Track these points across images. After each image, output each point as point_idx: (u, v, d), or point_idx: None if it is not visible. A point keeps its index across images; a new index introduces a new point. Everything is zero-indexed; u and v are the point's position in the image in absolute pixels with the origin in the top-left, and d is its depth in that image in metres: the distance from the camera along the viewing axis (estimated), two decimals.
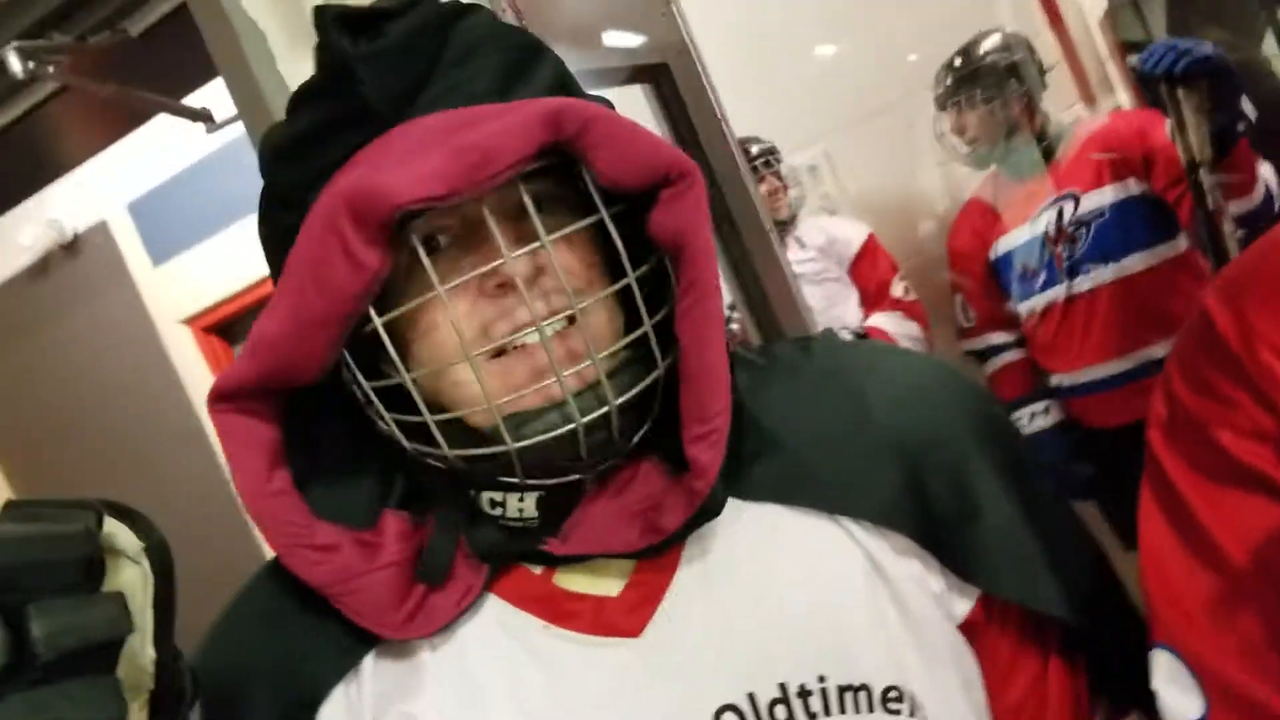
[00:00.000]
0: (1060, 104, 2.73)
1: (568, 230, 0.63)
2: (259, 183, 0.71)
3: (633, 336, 0.66)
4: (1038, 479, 0.75)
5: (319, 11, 0.64)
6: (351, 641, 0.68)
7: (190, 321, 4.24)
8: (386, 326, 0.63)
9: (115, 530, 0.49)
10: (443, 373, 0.66)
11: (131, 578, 0.50)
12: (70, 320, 4.39)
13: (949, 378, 0.77)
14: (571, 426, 0.63)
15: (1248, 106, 1.96)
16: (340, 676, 0.68)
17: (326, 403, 0.71)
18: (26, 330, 4.48)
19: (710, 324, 0.64)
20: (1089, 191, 2.43)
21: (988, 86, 2.50)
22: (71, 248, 4.28)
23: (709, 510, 0.65)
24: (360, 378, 0.67)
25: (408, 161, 0.60)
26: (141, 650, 0.50)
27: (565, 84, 0.70)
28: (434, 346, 0.66)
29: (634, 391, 0.65)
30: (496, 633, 0.68)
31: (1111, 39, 3.02)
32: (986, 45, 2.54)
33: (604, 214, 0.64)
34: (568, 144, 0.61)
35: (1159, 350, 2.38)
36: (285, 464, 0.69)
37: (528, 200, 0.61)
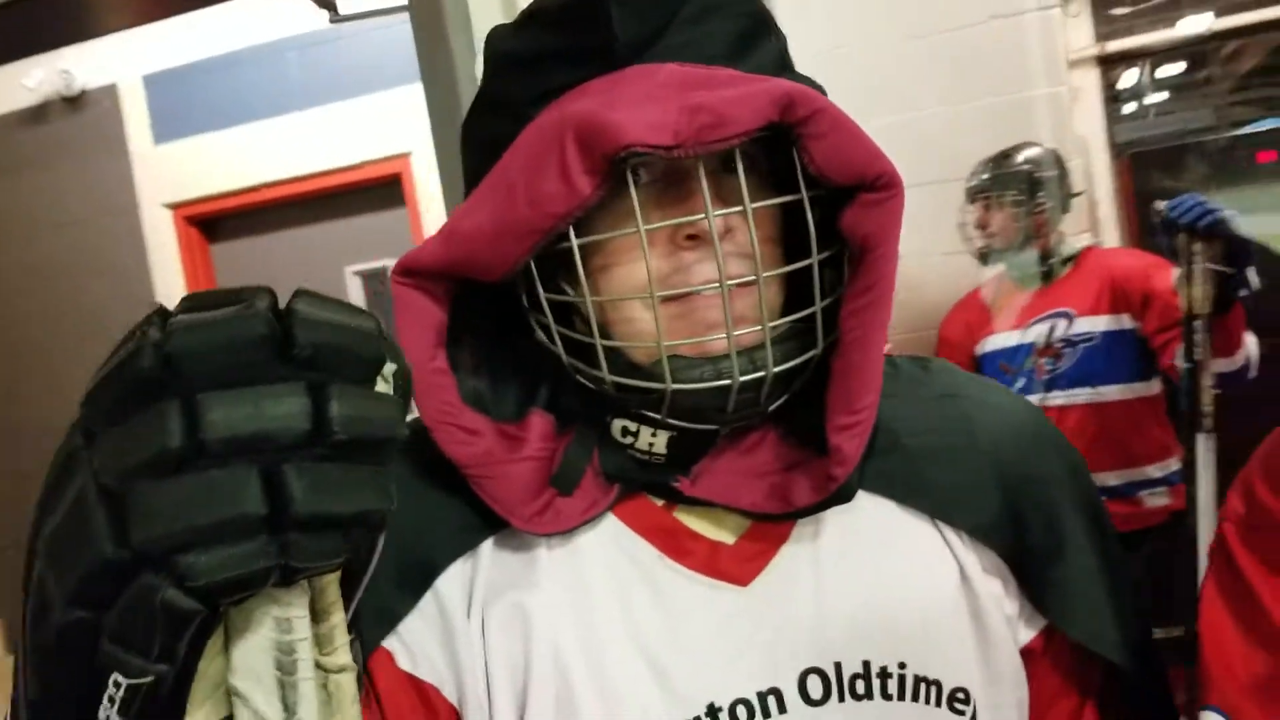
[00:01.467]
0: (1073, 228, 2.84)
1: (771, 203, 0.66)
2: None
3: (805, 313, 0.68)
4: (1112, 531, 0.80)
5: None
6: (477, 523, 0.72)
7: (176, 208, 4.18)
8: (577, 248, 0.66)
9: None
10: (618, 304, 0.69)
11: None
12: (56, 173, 4.30)
13: (1050, 426, 0.82)
14: (727, 382, 0.66)
15: (1253, 277, 2.07)
16: (460, 553, 0.72)
17: (486, 300, 0.74)
18: (6, 172, 4.39)
19: (878, 324, 0.68)
20: (1084, 315, 2.54)
21: (1020, 191, 2.61)
22: (75, 102, 4.20)
23: (841, 496, 0.69)
24: (540, 288, 0.69)
25: (643, 105, 0.63)
26: None
27: (786, 62, 0.74)
28: (617, 278, 0.69)
29: (793, 363, 0.68)
30: (614, 550, 0.72)
31: (1125, 183, 3.17)
32: (1029, 153, 2.65)
33: (804, 197, 0.66)
34: (789, 126, 0.64)
35: (1111, 479, 2.50)
36: (444, 347, 0.72)
37: (740, 167, 0.63)
